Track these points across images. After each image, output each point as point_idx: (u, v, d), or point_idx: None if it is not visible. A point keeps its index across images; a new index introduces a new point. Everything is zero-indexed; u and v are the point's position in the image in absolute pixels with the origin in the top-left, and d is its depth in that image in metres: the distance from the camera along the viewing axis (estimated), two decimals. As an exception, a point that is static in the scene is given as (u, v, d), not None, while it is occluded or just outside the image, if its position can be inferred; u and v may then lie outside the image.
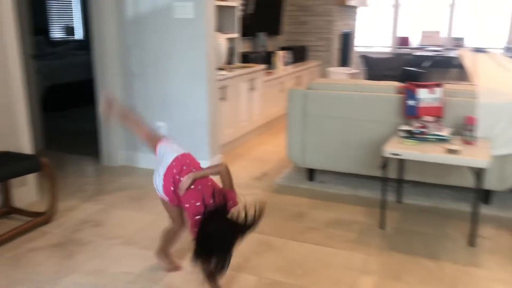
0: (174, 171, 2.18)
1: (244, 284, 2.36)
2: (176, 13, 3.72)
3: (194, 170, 2.18)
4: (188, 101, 3.87)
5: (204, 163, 3.89)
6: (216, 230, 1.94)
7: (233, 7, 5.05)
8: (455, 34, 8.60)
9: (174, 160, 2.22)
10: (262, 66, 5.19)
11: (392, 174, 3.30)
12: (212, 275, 1.99)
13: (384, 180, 2.93)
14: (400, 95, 3.32)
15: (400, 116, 3.30)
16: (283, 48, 6.53)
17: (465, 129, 2.92)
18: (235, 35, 5.17)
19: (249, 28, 5.68)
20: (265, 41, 6.14)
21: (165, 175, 2.20)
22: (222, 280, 2.15)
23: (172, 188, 2.18)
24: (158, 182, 2.24)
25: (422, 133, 2.96)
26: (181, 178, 2.13)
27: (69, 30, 8.88)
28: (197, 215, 2.01)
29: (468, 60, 4.19)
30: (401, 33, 9.00)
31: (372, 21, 9.09)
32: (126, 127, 2.59)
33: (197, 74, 3.78)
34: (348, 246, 2.74)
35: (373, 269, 2.50)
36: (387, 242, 2.80)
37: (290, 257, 2.63)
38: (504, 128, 3.04)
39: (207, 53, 3.73)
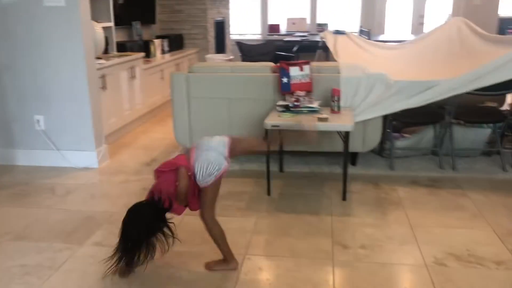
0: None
1: (147, 259, 2.46)
2: (45, 1, 3.58)
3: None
4: (68, 92, 3.77)
5: (89, 154, 3.88)
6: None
7: (105, -5, 4.97)
8: (319, 20, 9.36)
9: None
10: (141, 54, 5.20)
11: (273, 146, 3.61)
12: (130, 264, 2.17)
13: (267, 152, 3.22)
14: (275, 74, 3.63)
15: (277, 93, 3.61)
16: (159, 37, 6.56)
17: (331, 100, 3.32)
18: (110, 24, 5.10)
19: (123, 17, 5.61)
20: (140, 30, 6.11)
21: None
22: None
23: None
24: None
25: (296, 106, 3.30)
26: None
27: None
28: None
29: (331, 41, 4.69)
30: (271, 21, 9.52)
31: (244, 10, 9.47)
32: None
33: (76, 64, 3.69)
34: (240, 213, 2.98)
35: (264, 229, 2.78)
36: (274, 205, 3.10)
37: (188, 230, 2.78)
38: (363, 97, 3.52)
39: (84, 42, 3.66)
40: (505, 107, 4.32)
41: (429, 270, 2.32)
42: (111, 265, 2.16)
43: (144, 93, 5.28)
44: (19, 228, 2.82)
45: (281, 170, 3.73)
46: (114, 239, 2.66)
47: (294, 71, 3.54)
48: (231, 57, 7.05)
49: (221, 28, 8.09)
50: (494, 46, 3.92)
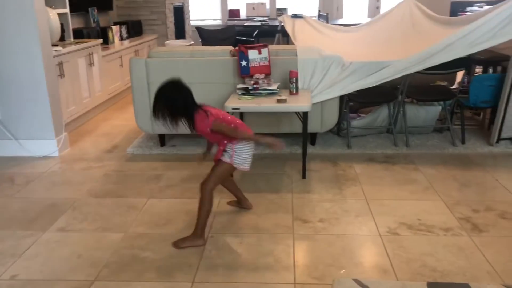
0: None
1: (110, 241, 2.50)
2: (-5, -13, 3.49)
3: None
4: (24, 80, 3.69)
5: (49, 143, 3.83)
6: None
7: (58, -20, 4.85)
8: (278, 5, 9.41)
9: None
10: (98, 41, 5.12)
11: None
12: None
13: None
14: (234, 57, 3.68)
15: (237, 76, 3.67)
16: (117, 23, 6.46)
17: (289, 82, 3.41)
18: (65, 10, 4.99)
19: (79, 3, 5.50)
20: (97, 16, 6.01)
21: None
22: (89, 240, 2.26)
23: None
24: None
25: (255, 89, 3.37)
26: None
27: None
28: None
29: (289, 25, 4.77)
30: (231, 6, 9.49)
31: (203, -5, 9.40)
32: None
33: (31, 51, 3.62)
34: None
35: (227, 208, 2.86)
36: (238, 186, 3.17)
37: (153, 212, 2.84)
38: (319, 79, 3.63)
39: (39, 29, 3.59)
40: (455, 85, 4.53)
41: (382, 239, 2.47)
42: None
43: (104, 80, 5.22)
44: (-21, 218, 2.79)
45: (243, 152, 3.80)
46: (78, 224, 2.70)
47: (252, 54, 3.60)
48: (191, 42, 7.03)
49: (180, 13, 8.02)
50: (443, 27, 4.10)
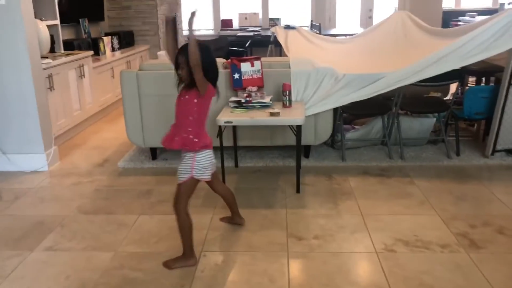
0: None
1: (100, 261, 2.43)
2: (-16, -1, 3.43)
3: None
4: (13, 93, 3.63)
5: (38, 157, 3.76)
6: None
7: (49, -8, 4.80)
8: (271, 15, 9.42)
9: None
10: (89, 53, 5.06)
11: (227, 142, 3.63)
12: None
13: (221, 148, 3.22)
14: (227, 70, 3.64)
15: (229, 89, 3.62)
16: (108, 34, 6.40)
17: (283, 95, 3.37)
18: (55, 21, 4.93)
19: (69, 14, 5.45)
20: (88, 27, 5.95)
21: None
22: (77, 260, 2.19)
23: None
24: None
25: (247, 102, 3.33)
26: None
27: None
28: None
29: (282, 36, 4.75)
30: (224, 16, 9.48)
31: (196, 5, 9.38)
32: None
33: (20, 64, 3.56)
34: (196, 211, 2.96)
35: (220, 225, 2.79)
36: (229, 201, 3.12)
37: (143, 229, 2.77)
38: (313, 91, 3.59)
39: (28, 41, 3.53)
40: (449, 96, 4.52)
41: (379, 256, 2.42)
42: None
43: (94, 92, 5.15)
44: (-36, 237, 2.71)
45: (236, 165, 3.75)
46: (67, 243, 2.63)
47: (245, 67, 3.56)
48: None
49: (172, 24, 7.99)
50: (436, 39, 4.09)
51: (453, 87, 4.53)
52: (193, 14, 2.31)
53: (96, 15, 6.43)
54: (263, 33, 8.32)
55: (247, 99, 3.34)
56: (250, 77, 3.54)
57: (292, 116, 3.15)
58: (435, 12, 8.10)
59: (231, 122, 3.11)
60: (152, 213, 2.98)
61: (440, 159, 3.79)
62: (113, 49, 6.22)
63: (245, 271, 2.31)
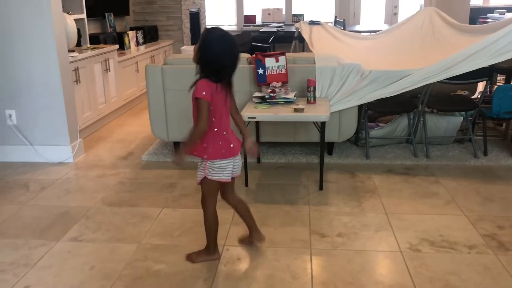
0: None
1: (124, 252, 2.45)
2: (15, -8, 3.49)
3: None
4: (40, 86, 3.69)
5: (64, 149, 3.81)
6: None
7: (76, -14, 4.86)
8: (295, 11, 9.36)
9: None
10: (115, 47, 5.11)
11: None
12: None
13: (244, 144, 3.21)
14: (251, 65, 3.63)
15: (253, 84, 3.61)
16: (133, 28, 6.46)
17: (307, 91, 3.34)
18: (82, 15, 5.00)
19: (95, 8, 5.51)
20: (113, 22, 6.01)
21: None
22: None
23: None
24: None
25: (271, 97, 3.31)
26: None
27: None
28: None
29: (306, 31, 4.71)
30: (247, 11, 9.47)
31: (220, 0, 9.39)
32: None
33: (48, 57, 3.61)
34: (218, 205, 2.97)
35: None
36: (252, 196, 3.12)
37: (167, 222, 2.78)
38: (338, 88, 3.55)
39: (56, 34, 3.59)
40: (477, 95, 4.42)
41: (403, 255, 2.38)
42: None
43: (119, 86, 5.21)
44: (-8, 226, 2.77)
45: (258, 161, 3.74)
46: (91, 234, 2.66)
47: (269, 62, 3.54)
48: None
49: (196, 19, 8.01)
50: (464, 36, 4.00)
51: (481, 85, 4.44)
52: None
53: (122, 10, 6.49)
54: (286, 28, 8.28)
55: (271, 94, 3.32)
56: (275, 73, 3.52)
57: (317, 113, 3.12)
58: (463, 9, 7.93)
59: (254, 118, 3.10)
60: (175, 206, 2.99)
61: (466, 158, 3.71)
62: (137, 44, 6.28)
63: (268, 267, 2.30)
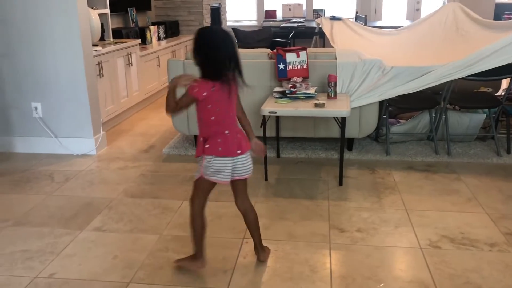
0: None
1: (146, 242, 2.50)
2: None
3: None
4: (65, 79, 3.77)
5: (87, 141, 3.89)
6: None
7: (100, -19, 4.93)
8: (315, 6, 9.32)
9: None
10: (136, 41, 5.18)
11: (270, 133, 3.64)
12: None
13: (264, 138, 3.24)
14: (272, 60, 3.64)
15: (273, 79, 3.63)
16: (154, 23, 6.53)
17: (328, 86, 3.34)
18: (106, 10, 5.07)
19: (118, 3, 5.58)
20: (135, 16, 6.09)
21: None
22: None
23: None
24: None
25: (292, 92, 3.32)
26: None
27: None
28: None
29: (327, 27, 4.70)
30: (268, 7, 9.47)
31: (239, -4, 9.41)
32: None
33: (73, 51, 3.69)
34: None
35: (262, 213, 2.80)
36: (271, 191, 3.14)
37: (187, 214, 2.81)
38: (359, 83, 3.54)
39: (81, 29, 3.65)
40: (500, 92, 4.35)
41: (423, 252, 2.37)
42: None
43: (141, 80, 5.28)
44: (19, 214, 2.85)
45: (278, 155, 3.76)
46: (114, 224, 2.71)
47: (290, 57, 3.55)
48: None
49: (217, 14, 8.05)
50: (489, 32, 3.94)
51: (505, 82, 4.36)
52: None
53: (144, 5, 6.56)
54: (307, 24, 8.25)
55: (292, 89, 3.33)
56: (296, 68, 3.53)
57: (337, 108, 3.12)
58: (487, 5, 7.78)
59: (275, 112, 3.12)
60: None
61: (489, 156, 3.66)
62: (159, 38, 6.34)
63: (287, 260, 2.33)
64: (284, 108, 3.14)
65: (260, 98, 3.58)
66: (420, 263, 2.28)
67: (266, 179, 3.31)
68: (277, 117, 3.62)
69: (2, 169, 3.62)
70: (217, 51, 1.96)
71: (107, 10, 5.11)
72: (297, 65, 3.54)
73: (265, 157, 3.30)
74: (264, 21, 9.16)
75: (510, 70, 3.51)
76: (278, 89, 3.42)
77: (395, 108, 3.90)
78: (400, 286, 2.11)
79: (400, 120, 4.06)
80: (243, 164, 2.11)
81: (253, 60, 3.70)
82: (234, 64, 2.02)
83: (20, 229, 2.67)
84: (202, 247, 2.21)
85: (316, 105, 3.11)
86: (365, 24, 6.10)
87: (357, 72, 3.53)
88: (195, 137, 3.98)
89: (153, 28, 6.13)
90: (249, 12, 9.56)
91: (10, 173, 3.52)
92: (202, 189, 2.16)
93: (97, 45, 4.43)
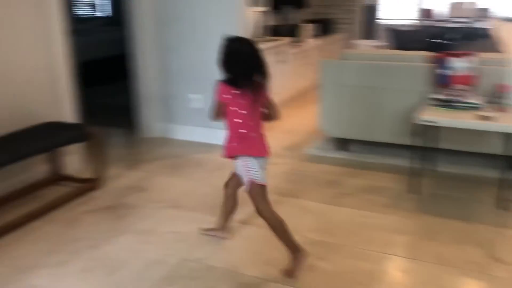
0: None
1: (286, 243, 2.51)
2: (209, -13, 3.82)
3: None
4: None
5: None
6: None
7: (261, -20, 5.11)
8: (483, 5, 8.47)
9: None
10: (290, 39, 5.26)
11: (421, 142, 3.39)
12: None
13: (415, 148, 3.03)
14: (430, 64, 3.38)
15: (429, 85, 3.36)
16: (309, 21, 6.56)
17: (497, 97, 2.98)
18: (264, 8, 5.24)
19: (276, 1, 5.73)
20: (291, 14, 6.19)
21: None
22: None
23: None
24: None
25: (454, 101, 3.04)
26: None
27: (95, 6, 9.01)
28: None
29: (501, 29, 4.21)
30: (426, 5, 8.89)
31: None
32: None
33: (231, 47, 3.88)
34: (382, 210, 2.87)
35: (407, 229, 2.63)
36: (419, 206, 2.92)
37: (328, 220, 2.78)
38: (536, 96, 3.09)
39: (239, 26, 3.82)
40: None
41: None
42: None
43: (291, 77, 5.35)
44: (174, 197, 3.09)
45: (429, 168, 3.48)
46: (256, 218, 2.77)
47: (454, 62, 3.25)
48: (381, 43, 6.77)
49: (370, 12, 7.80)
50: None
51: None
52: None
53: (300, 2, 6.64)
54: (473, 25, 7.53)
55: (453, 97, 3.05)
56: (460, 74, 3.22)
57: (508, 122, 2.76)
58: None
59: (435, 122, 2.88)
60: (337, 204, 2.97)
61: None
62: (312, 37, 6.36)
63: (435, 285, 2.13)
64: (446, 118, 2.88)
65: (410, 104, 3.36)
66: None
67: (413, 192, 3.09)
68: (431, 126, 3.35)
69: (163, 153, 3.97)
70: (237, 63, 2.13)
71: (265, 8, 5.27)
72: (461, 71, 3.23)
73: (416, 169, 3.08)
74: (422, 20, 8.61)
75: None
76: (437, 96, 3.16)
77: None
78: None
79: None
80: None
81: (406, 63, 3.48)
82: (258, 74, 2.16)
83: (174, 211, 2.90)
84: (293, 239, 2.21)
85: (483, 118, 2.79)
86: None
87: (535, 83, 3.09)
88: (342, 139, 3.90)
89: (307, 26, 6.16)
90: (405, 10, 9.07)
91: (167, 157, 3.85)
92: (259, 194, 2.23)
93: (253, 42, 4.60)
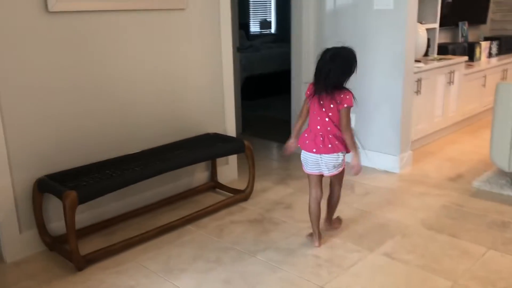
0: None
1: (436, 287, 2.24)
2: (376, 4, 3.67)
3: None
4: (381, 93, 3.80)
5: (392, 158, 3.82)
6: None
7: (434, -5, 4.76)
8: None
9: None
10: (463, 58, 4.78)
11: None
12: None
13: None
14: None
15: None
16: (487, 38, 5.90)
17: None
18: (435, 25, 4.87)
19: (448, 17, 5.27)
20: (466, 31, 5.64)
21: None
22: None
23: None
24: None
25: None
26: None
27: (265, 24, 9.51)
28: None
29: None
30: None
31: None
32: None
33: (394, 67, 3.67)
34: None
35: None
36: None
37: (490, 267, 2.41)
38: None
39: (406, 45, 3.59)
40: None
41: None
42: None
43: (460, 100, 4.86)
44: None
45: None
46: (405, 254, 2.55)
47: None
48: None
49: None
50: None
51: None
52: None
53: (478, 18, 6.02)
54: None
55: None
56: None
57: None
58: None
59: None
60: (505, 251, 2.56)
61: None
62: (489, 55, 5.71)
63: None
64: None
65: None
66: None
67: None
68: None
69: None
70: (317, 70, 2.48)
71: (436, 25, 4.89)
72: None
73: None
74: None
75: None
76: None
77: None
78: None
79: None
80: (325, 163, 2.52)
81: None
82: (325, 83, 2.46)
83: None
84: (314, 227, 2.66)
85: None
86: None
87: None
88: (516, 175, 3.38)
89: (484, 44, 5.56)
90: None
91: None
92: (309, 181, 2.63)
93: (419, 61, 4.30)
